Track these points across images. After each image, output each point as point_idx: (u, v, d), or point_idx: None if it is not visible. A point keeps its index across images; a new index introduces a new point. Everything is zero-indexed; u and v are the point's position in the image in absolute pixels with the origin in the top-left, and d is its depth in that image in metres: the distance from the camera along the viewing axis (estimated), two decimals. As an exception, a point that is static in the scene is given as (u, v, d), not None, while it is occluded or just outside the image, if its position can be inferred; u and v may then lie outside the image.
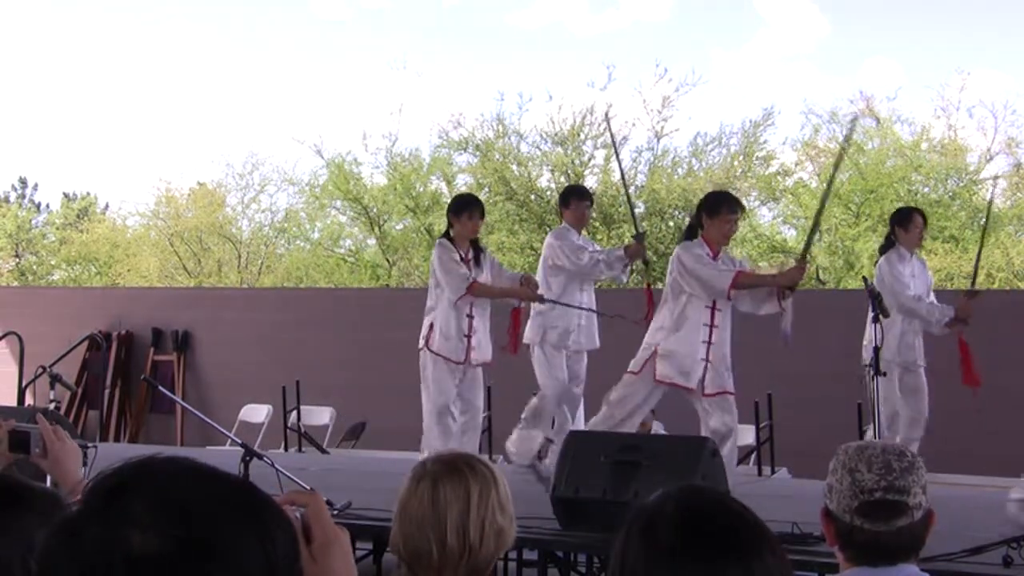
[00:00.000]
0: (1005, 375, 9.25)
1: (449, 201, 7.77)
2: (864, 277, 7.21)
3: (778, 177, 19.82)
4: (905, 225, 7.45)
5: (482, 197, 20.82)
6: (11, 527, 1.60)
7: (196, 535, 1.04)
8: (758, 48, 32.39)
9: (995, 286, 17.73)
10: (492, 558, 2.47)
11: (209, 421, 6.84)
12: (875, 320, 6.16)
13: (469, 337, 6.95)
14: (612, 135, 14.41)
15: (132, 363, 12.55)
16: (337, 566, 1.33)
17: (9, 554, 1.55)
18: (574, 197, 7.44)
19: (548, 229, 19.13)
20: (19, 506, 1.67)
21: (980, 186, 19.77)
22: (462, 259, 6.96)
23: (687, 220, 19.37)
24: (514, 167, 19.93)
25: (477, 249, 7.08)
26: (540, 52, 31.95)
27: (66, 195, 29.48)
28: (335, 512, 5.93)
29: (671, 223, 19.46)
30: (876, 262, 7.60)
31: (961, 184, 19.41)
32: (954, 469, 6.61)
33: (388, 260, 21.12)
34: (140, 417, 12.57)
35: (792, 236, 20.01)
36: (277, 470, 5.89)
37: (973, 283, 7.59)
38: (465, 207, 7.11)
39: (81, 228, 26.01)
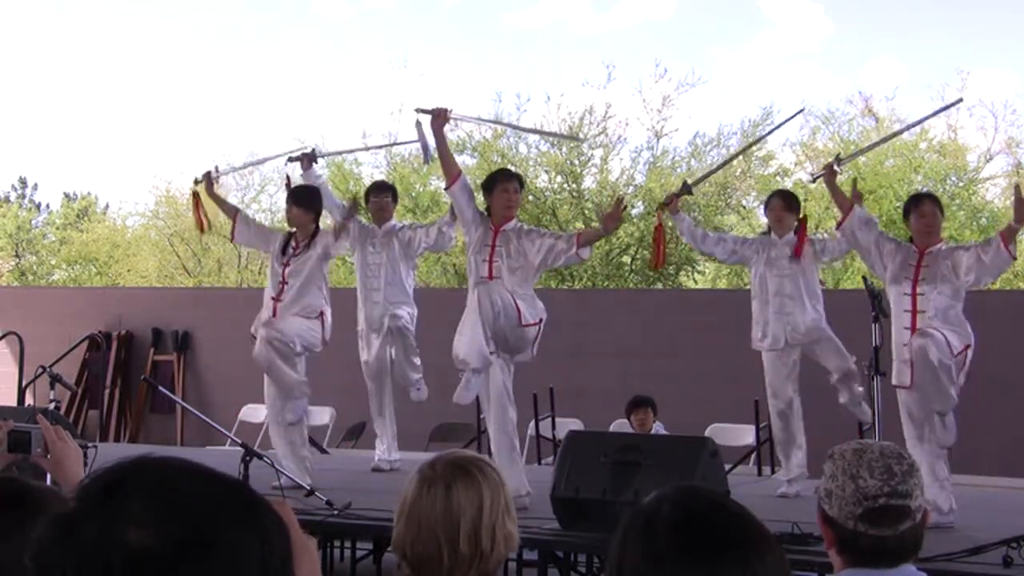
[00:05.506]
0: (1006, 374, 9.27)
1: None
2: (864, 276, 7.21)
3: (777, 178, 19.79)
4: None
5: (479, 199, 20.86)
6: (21, 529, 1.59)
7: (193, 533, 1.04)
8: (761, 48, 32.40)
9: (995, 286, 17.72)
10: (500, 562, 2.45)
11: (209, 421, 6.84)
12: (875, 320, 6.18)
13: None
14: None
15: (132, 363, 12.54)
16: (304, 574, 1.33)
17: (19, 557, 1.55)
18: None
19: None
20: (27, 508, 1.66)
21: (980, 186, 19.76)
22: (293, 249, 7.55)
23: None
24: (511, 168, 19.90)
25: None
26: (544, 52, 31.97)
27: (66, 195, 29.46)
28: (335, 512, 5.93)
29: (669, 223, 19.42)
30: None
31: (961, 184, 19.40)
32: (954, 469, 6.59)
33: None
34: (140, 417, 12.56)
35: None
36: (277, 470, 5.91)
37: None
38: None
39: (81, 228, 25.96)
